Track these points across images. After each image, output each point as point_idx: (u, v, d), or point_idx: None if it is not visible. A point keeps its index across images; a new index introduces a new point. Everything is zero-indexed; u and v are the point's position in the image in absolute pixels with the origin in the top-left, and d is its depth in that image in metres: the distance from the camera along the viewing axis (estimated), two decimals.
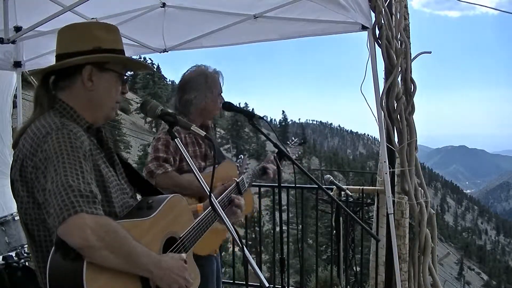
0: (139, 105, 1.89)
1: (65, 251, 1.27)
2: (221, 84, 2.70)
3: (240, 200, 2.08)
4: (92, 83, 1.51)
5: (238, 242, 1.56)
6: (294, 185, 4.52)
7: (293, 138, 3.07)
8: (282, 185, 2.31)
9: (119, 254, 1.30)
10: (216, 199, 1.81)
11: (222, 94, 2.68)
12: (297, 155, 3.03)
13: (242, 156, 2.44)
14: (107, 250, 1.26)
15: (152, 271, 1.40)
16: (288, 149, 2.98)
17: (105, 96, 1.55)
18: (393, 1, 3.07)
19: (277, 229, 5.38)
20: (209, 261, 2.59)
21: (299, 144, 3.04)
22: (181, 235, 1.65)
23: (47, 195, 1.27)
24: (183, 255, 1.57)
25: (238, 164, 2.56)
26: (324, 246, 20.87)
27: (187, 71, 2.72)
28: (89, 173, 1.33)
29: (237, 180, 2.12)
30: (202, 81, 2.63)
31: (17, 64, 4.06)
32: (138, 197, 1.77)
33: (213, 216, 1.86)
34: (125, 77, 1.60)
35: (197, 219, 1.78)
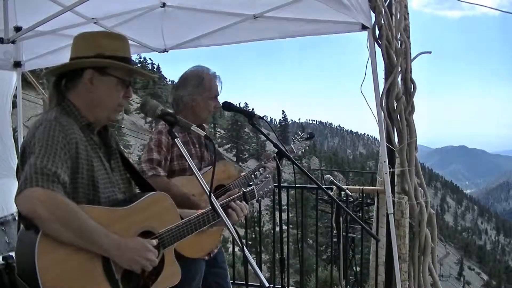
0: (139, 105, 1.91)
1: (29, 222, 1.42)
2: (219, 88, 2.67)
3: (239, 206, 1.97)
4: (92, 86, 1.65)
5: (238, 242, 1.57)
6: (294, 185, 4.53)
7: (299, 132, 3.06)
8: (282, 185, 2.31)
9: (71, 228, 1.41)
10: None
11: (217, 97, 2.66)
12: (303, 150, 3.01)
13: (262, 169, 2.37)
14: (57, 223, 1.39)
15: (109, 250, 1.50)
16: (294, 144, 2.98)
17: (105, 98, 1.68)
18: (393, 1, 3.07)
19: (277, 229, 5.38)
20: (193, 264, 2.51)
21: (306, 139, 3.01)
22: (160, 231, 1.70)
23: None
24: (153, 241, 1.63)
25: (253, 176, 2.50)
26: (324, 246, 20.88)
27: (187, 70, 2.72)
28: (61, 159, 1.48)
29: (244, 190, 2.05)
30: (196, 81, 2.62)
31: (17, 64, 4.05)
32: None
33: (206, 221, 1.83)
34: (127, 82, 1.71)
35: (185, 219, 1.79)
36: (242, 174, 2.74)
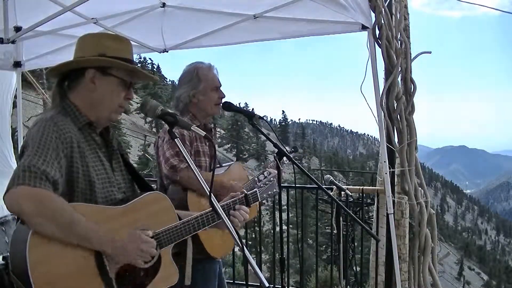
0: (139, 105, 1.91)
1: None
2: (217, 79, 2.59)
3: (240, 212, 1.90)
4: (94, 85, 1.67)
5: (238, 242, 1.56)
6: (294, 185, 4.54)
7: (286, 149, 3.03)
8: (282, 185, 2.31)
9: (58, 224, 1.42)
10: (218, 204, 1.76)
11: (219, 88, 2.58)
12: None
13: (266, 173, 2.34)
14: (42, 218, 1.39)
15: (102, 245, 1.49)
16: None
17: (106, 99, 1.69)
18: (393, 1, 3.07)
19: (277, 229, 5.38)
20: (212, 263, 2.56)
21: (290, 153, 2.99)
22: (156, 231, 1.68)
23: None
24: (149, 232, 1.62)
25: (256, 178, 2.48)
26: (324, 246, 20.87)
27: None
28: (52, 158, 1.48)
29: (247, 193, 1.98)
30: (190, 76, 2.55)
31: (17, 64, 4.05)
32: None
33: (205, 222, 1.80)
34: (129, 84, 1.72)
35: (183, 220, 1.76)
36: (250, 177, 2.69)
